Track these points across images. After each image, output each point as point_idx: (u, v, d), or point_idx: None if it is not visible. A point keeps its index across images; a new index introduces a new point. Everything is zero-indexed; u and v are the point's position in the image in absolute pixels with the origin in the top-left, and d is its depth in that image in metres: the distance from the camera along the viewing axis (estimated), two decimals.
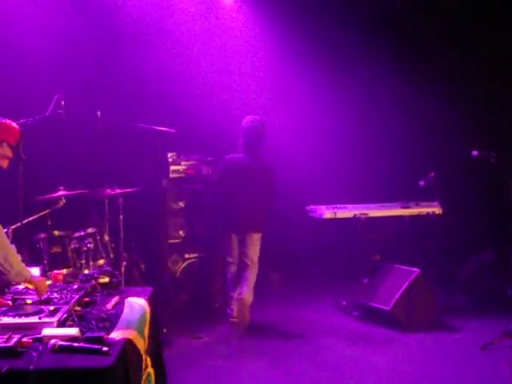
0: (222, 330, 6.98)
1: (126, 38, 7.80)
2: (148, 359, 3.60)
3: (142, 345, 3.36)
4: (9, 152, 4.00)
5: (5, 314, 3.26)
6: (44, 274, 5.08)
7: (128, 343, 3.09)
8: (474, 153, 6.50)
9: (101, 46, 7.63)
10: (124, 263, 6.69)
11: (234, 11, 8.66)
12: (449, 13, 8.52)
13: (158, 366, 3.97)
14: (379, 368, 5.79)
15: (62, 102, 5.72)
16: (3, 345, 2.84)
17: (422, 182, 7.47)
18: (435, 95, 8.41)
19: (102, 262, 6.45)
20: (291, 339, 6.70)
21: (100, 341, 2.94)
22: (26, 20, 7.18)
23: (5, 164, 4.01)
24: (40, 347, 2.89)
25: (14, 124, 4.07)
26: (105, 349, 2.83)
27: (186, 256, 7.46)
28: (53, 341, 2.88)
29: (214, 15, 8.55)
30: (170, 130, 6.89)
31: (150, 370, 3.67)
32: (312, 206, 7.70)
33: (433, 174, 7.44)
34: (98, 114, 6.49)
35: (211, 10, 8.53)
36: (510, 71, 8.39)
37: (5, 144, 3.96)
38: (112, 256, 6.66)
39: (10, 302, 3.57)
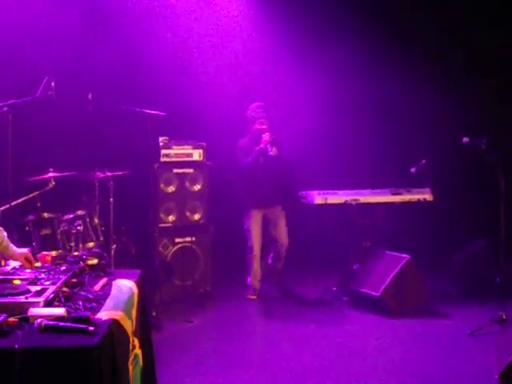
0: (211, 313, 7.01)
1: (118, 20, 7.76)
2: (136, 340, 3.59)
3: (129, 326, 3.35)
4: None
5: None
6: (33, 256, 5.07)
7: (114, 324, 3.08)
8: (465, 139, 6.48)
9: (92, 28, 7.58)
10: (114, 246, 6.69)
11: None
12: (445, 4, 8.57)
13: (146, 347, 3.96)
14: (368, 354, 5.81)
15: (52, 84, 5.67)
16: None
17: (413, 169, 7.46)
18: (426, 82, 8.41)
19: (91, 244, 6.44)
20: (281, 325, 6.72)
21: (86, 320, 2.92)
22: (15, 2, 7.12)
23: None
24: (26, 326, 2.87)
25: None
26: (91, 328, 2.82)
27: (177, 240, 7.45)
28: (39, 320, 2.87)
29: None
30: (160, 113, 6.85)
31: (138, 351, 3.66)
32: (303, 192, 7.68)
33: (424, 161, 7.44)
34: (89, 96, 6.46)
35: None
36: (502, 57, 8.41)
37: None
38: (102, 239, 6.66)
39: None
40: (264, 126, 7.39)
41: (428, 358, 5.69)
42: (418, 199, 7.57)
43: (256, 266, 7.50)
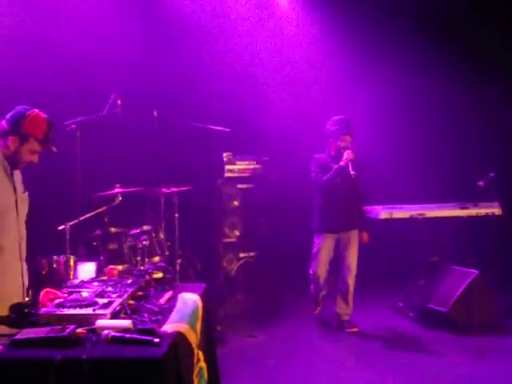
0: (275, 329, 6.98)
1: (183, 39, 7.89)
2: (200, 353, 3.61)
3: (193, 339, 3.37)
4: (37, 146, 3.86)
5: (60, 305, 3.31)
6: (100, 269, 5.17)
7: (179, 336, 3.11)
8: None
9: (158, 46, 7.72)
10: (179, 261, 6.75)
11: (288, 10, 8.67)
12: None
13: (211, 361, 3.97)
14: (436, 370, 5.69)
15: (119, 101, 5.81)
16: (58, 334, 2.89)
17: (481, 183, 7.29)
18: (496, 94, 8.24)
19: (157, 259, 6.50)
20: (346, 340, 6.65)
21: (152, 332, 2.96)
22: (86, 23, 7.31)
23: (35, 159, 3.91)
24: (93, 337, 2.93)
25: (41, 115, 3.88)
26: (156, 340, 2.86)
27: (241, 255, 7.49)
28: (106, 331, 2.92)
29: (269, 14, 8.57)
30: (225, 129, 6.91)
31: (203, 364, 3.68)
32: (367, 207, 7.58)
33: (492, 175, 7.26)
34: (155, 113, 6.58)
35: (266, 9, 8.56)
36: None
37: (31, 139, 3.82)
38: (167, 253, 6.72)
39: (66, 295, 3.63)
40: (347, 144, 6.75)
41: (497, 377, 5.54)
42: (486, 213, 7.39)
43: (319, 284, 7.27)
